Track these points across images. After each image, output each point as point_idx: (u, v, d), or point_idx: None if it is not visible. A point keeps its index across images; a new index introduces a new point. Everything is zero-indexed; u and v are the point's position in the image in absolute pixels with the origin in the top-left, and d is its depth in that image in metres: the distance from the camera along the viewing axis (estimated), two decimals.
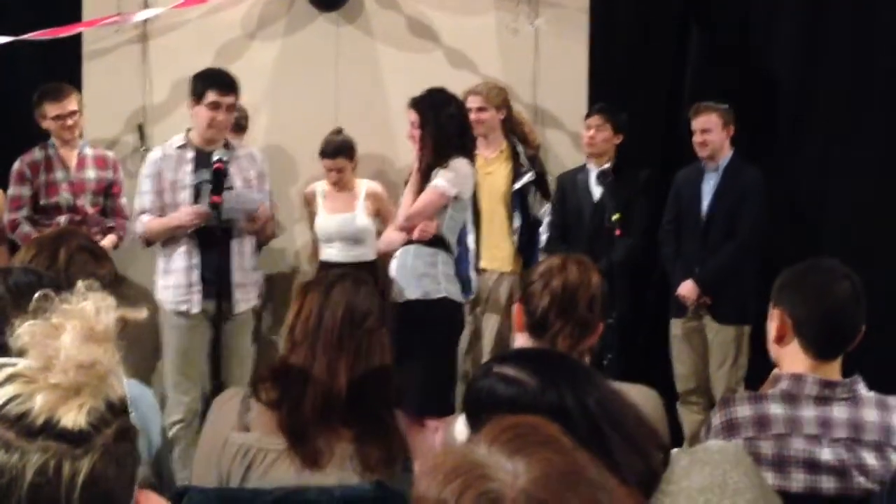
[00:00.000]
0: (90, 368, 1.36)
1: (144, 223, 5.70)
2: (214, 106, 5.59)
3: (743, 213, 6.17)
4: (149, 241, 5.80)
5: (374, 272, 6.06)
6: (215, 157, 5.47)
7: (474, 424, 2.14)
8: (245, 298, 5.76)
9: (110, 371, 1.39)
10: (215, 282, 5.62)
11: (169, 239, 5.67)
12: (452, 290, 5.50)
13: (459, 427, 3.15)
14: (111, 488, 1.34)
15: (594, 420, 2.00)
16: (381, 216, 6.49)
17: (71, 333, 1.37)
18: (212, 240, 5.59)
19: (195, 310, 5.62)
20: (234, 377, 5.57)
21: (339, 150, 6.44)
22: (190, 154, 5.68)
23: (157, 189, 5.69)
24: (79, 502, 1.30)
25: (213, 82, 5.64)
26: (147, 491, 1.54)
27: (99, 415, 1.35)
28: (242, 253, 5.73)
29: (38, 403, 1.32)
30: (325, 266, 6.16)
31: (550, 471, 1.32)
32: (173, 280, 5.67)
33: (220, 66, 6.06)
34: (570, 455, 1.37)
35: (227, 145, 5.76)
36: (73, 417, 1.33)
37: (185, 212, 5.57)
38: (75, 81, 6.62)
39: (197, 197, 5.61)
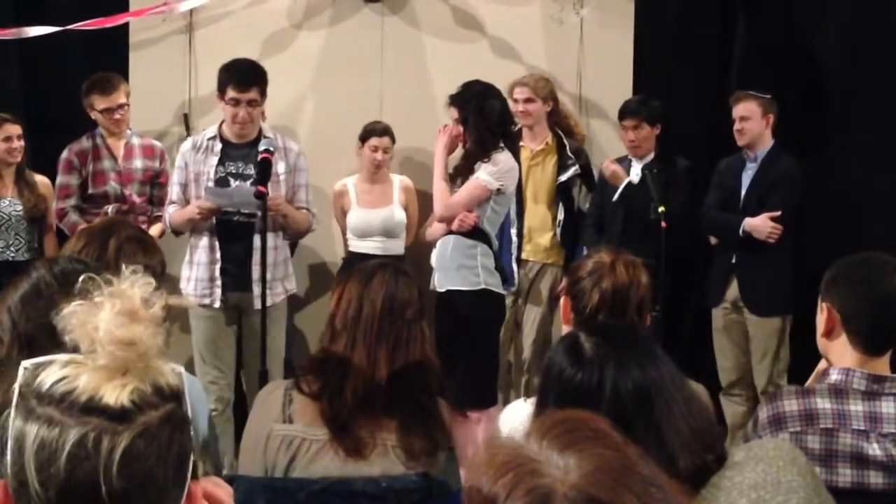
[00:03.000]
0: (130, 345, 1.37)
1: (170, 214, 5.74)
2: (234, 102, 5.56)
3: (776, 199, 6.11)
4: (176, 232, 5.83)
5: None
6: (262, 148, 5.45)
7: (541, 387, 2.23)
8: (269, 293, 5.49)
9: (151, 350, 1.39)
10: (236, 276, 5.62)
11: (194, 231, 5.69)
12: (492, 282, 5.49)
13: (505, 418, 3.17)
14: (151, 469, 1.35)
15: (625, 410, 2.03)
16: (409, 213, 6.53)
17: (111, 311, 1.39)
18: (234, 234, 5.58)
19: (216, 304, 5.62)
20: (255, 370, 5.56)
21: (386, 129, 6.50)
22: (218, 146, 5.67)
23: (183, 181, 5.71)
24: (118, 479, 1.31)
25: (232, 77, 5.58)
26: (209, 478, 1.55)
27: (143, 396, 1.36)
28: (265, 247, 5.46)
29: (83, 382, 1.34)
30: (356, 258, 6.11)
31: (602, 466, 1.32)
32: (195, 273, 5.68)
33: (266, 57, 6.07)
34: (621, 450, 1.37)
35: (259, 136, 5.69)
36: (115, 395, 1.34)
37: (192, 206, 5.57)
38: (122, 71, 6.65)
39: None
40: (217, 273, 5.62)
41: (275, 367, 5.58)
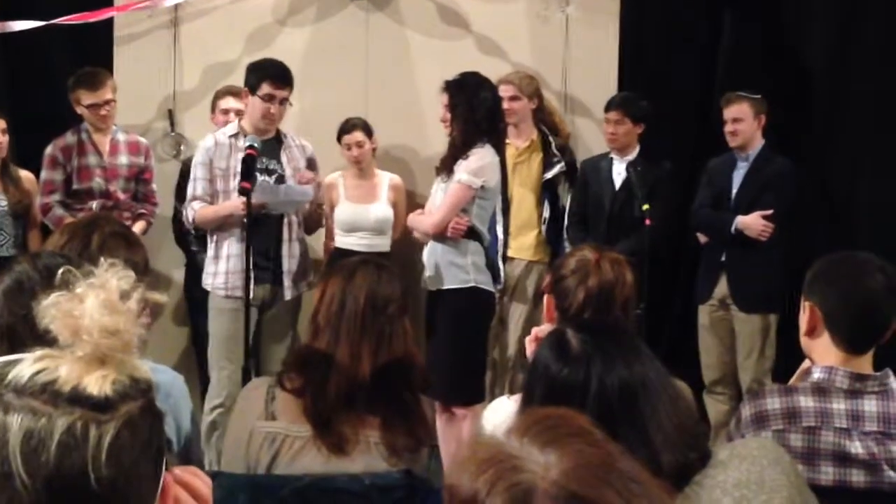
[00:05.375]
0: (114, 334, 1.37)
1: (196, 210, 5.73)
2: (269, 98, 5.63)
3: (770, 200, 6.12)
4: (198, 228, 5.85)
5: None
6: (247, 143, 5.49)
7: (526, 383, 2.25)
8: (295, 286, 5.81)
9: (133, 341, 1.40)
10: (268, 268, 5.70)
11: (220, 226, 5.71)
12: (482, 280, 5.49)
13: (489, 415, 3.16)
14: (137, 459, 1.35)
15: (610, 407, 2.04)
16: (396, 210, 6.53)
17: (94, 301, 1.38)
18: (264, 227, 5.63)
19: (249, 295, 5.63)
20: (275, 363, 5.58)
21: (356, 124, 6.53)
22: (241, 142, 5.69)
23: (209, 177, 5.72)
24: (106, 468, 1.31)
25: (268, 74, 5.67)
26: (187, 468, 1.54)
27: (123, 387, 1.36)
28: (292, 240, 5.78)
29: (64, 373, 1.34)
30: (342, 254, 6.13)
31: (582, 462, 1.32)
32: (225, 266, 5.69)
33: (250, 53, 6.08)
34: (602, 447, 1.37)
35: (278, 134, 5.81)
36: (98, 385, 1.34)
37: (235, 202, 5.58)
38: (106, 66, 6.63)
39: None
40: (250, 265, 5.64)
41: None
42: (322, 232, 6.64)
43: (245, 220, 5.38)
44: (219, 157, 5.72)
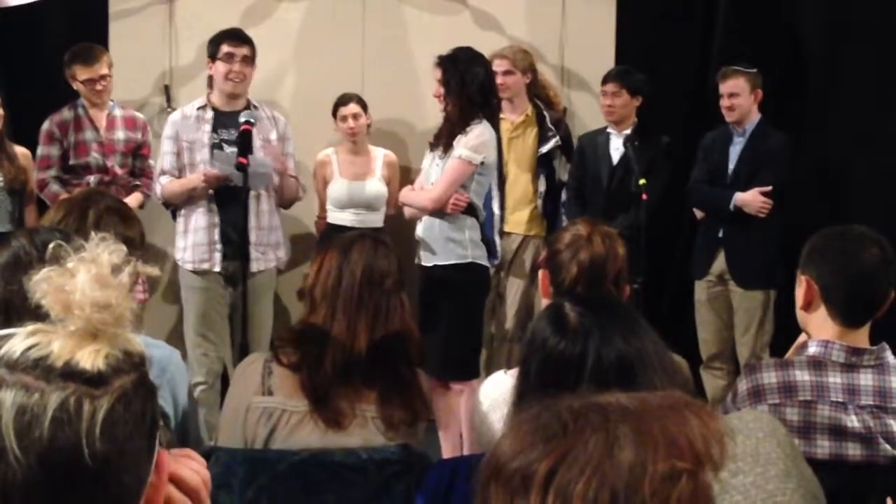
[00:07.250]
0: (106, 308, 1.36)
1: (163, 185, 5.76)
2: (228, 57, 5.66)
3: (765, 174, 6.12)
4: (168, 203, 5.85)
5: None
6: (242, 119, 5.49)
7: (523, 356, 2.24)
8: (263, 258, 5.78)
9: (125, 315, 1.39)
10: (234, 241, 5.65)
11: (188, 200, 5.71)
12: (479, 255, 5.48)
13: (486, 389, 3.17)
14: (131, 434, 1.34)
15: (607, 380, 2.04)
16: (390, 186, 6.53)
17: (86, 275, 1.38)
18: (231, 199, 5.60)
19: (216, 268, 5.65)
20: (252, 339, 5.56)
21: (351, 97, 6.51)
22: (209, 114, 5.73)
23: (175, 150, 5.74)
24: (100, 443, 1.30)
25: (226, 35, 5.74)
26: (182, 451, 1.55)
27: (116, 361, 1.36)
28: (260, 212, 5.74)
29: (56, 348, 1.33)
30: (335, 230, 6.12)
31: None
32: (192, 239, 5.70)
33: (247, 28, 6.06)
34: None
35: (248, 105, 5.79)
36: (91, 360, 1.33)
37: (198, 175, 5.59)
38: (101, 41, 6.60)
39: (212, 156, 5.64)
40: (216, 237, 5.66)
41: (263, 337, 5.62)
42: (313, 208, 6.64)
43: (212, 192, 5.50)
44: (185, 129, 5.73)
